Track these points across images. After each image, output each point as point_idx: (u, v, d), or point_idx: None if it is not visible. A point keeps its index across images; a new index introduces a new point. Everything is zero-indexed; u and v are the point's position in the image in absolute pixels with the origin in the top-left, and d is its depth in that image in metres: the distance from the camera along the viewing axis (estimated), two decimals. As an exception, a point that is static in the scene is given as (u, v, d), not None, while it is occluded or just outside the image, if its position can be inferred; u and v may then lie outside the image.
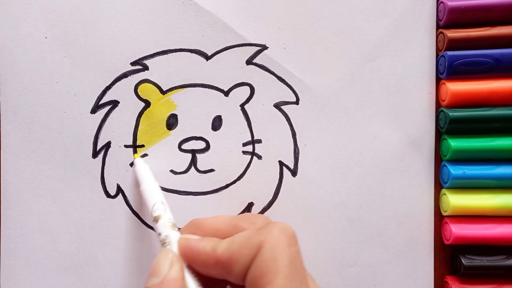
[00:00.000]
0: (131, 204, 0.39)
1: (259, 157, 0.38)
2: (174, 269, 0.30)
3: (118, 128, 0.38)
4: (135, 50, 0.38)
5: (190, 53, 0.38)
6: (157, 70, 0.38)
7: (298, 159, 0.38)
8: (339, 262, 0.38)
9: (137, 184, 0.38)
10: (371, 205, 0.38)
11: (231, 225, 0.32)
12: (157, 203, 0.34)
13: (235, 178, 0.38)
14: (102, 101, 0.38)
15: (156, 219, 0.33)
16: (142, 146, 0.38)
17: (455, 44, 0.36)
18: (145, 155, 0.38)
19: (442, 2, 0.37)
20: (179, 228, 0.33)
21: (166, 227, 0.33)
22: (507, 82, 0.36)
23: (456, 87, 0.36)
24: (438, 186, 0.38)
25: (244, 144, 0.38)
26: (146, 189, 0.36)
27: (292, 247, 0.29)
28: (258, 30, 0.38)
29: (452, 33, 0.36)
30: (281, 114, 0.38)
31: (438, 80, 0.38)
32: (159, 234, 0.33)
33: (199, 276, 0.30)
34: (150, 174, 0.37)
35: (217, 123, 0.38)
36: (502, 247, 0.37)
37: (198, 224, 0.33)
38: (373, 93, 0.38)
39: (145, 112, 0.38)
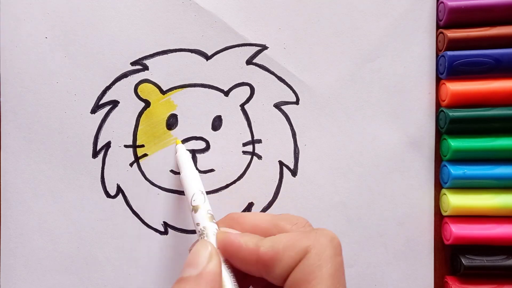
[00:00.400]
0: (131, 204, 0.39)
1: (259, 157, 0.38)
2: (213, 262, 0.29)
3: (118, 128, 0.38)
4: (135, 50, 0.38)
5: (190, 53, 0.38)
6: (157, 70, 0.38)
7: (298, 159, 0.38)
8: (339, 262, 0.38)
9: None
10: (371, 205, 0.38)
11: (272, 223, 0.31)
12: (197, 192, 0.34)
13: (235, 178, 0.38)
14: (102, 101, 0.38)
15: (195, 209, 0.33)
16: (142, 146, 0.38)
17: (455, 44, 0.36)
18: (145, 155, 0.38)
19: (442, 2, 0.37)
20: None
21: (205, 218, 0.32)
22: (507, 82, 0.36)
23: (456, 87, 0.36)
24: (438, 186, 0.38)
25: (244, 144, 0.38)
26: (186, 177, 0.35)
27: (338, 257, 0.29)
28: (258, 30, 0.38)
29: (452, 33, 0.36)
30: (281, 114, 0.38)
31: (438, 80, 0.38)
32: (197, 224, 0.32)
33: (235, 271, 0.30)
34: (191, 162, 0.36)
35: (217, 123, 0.38)
36: (502, 247, 0.37)
37: (237, 218, 0.33)
38: (373, 93, 0.38)
39: (145, 112, 0.38)
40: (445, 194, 0.37)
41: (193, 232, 0.38)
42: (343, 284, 0.28)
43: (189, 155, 0.37)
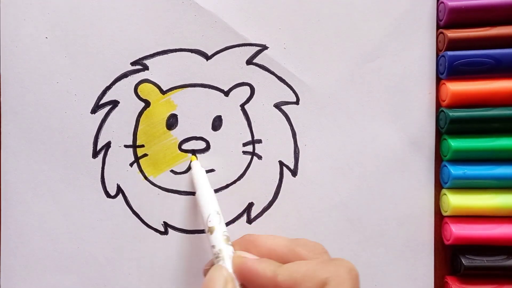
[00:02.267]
0: (131, 204, 0.39)
1: (259, 157, 0.38)
2: None
3: (118, 128, 0.38)
4: (135, 50, 0.38)
5: (190, 53, 0.38)
6: (157, 70, 0.38)
7: (298, 159, 0.38)
8: (339, 262, 0.38)
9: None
10: (371, 205, 0.38)
11: (289, 249, 0.31)
12: (212, 213, 0.34)
13: (235, 178, 0.38)
14: (102, 101, 0.38)
15: (211, 230, 0.33)
16: (142, 146, 0.38)
17: (455, 44, 0.36)
18: (145, 155, 0.38)
19: (442, 2, 0.37)
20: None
21: (221, 241, 0.32)
22: (507, 82, 0.36)
23: (456, 87, 0.36)
24: (438, 186, 0.38)
25: (244, 144, 0.38)
26: (202, 196, 0.35)
27: None
28: (258, 30, 0.38)
29: (452, 33, 0.36)
30: (281, 114, 0.38)
31: (438, 80, 0.38)
32: (213, 247, 0.32)
33: None
34: (206, 180, 0.36)
35: (217, 123, 0.38)
36: (502, 247, 0.37)
37: (253, 241, 0.33)
38: (373, 93, 0.38)
39: (145, 112, 0.38)
40: (445, 194, 0.37)
41: (193, 232, 0.38)
42: None
43: (205, 173, 0.37)
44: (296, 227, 0.38)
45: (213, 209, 0.34)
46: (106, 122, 0.38)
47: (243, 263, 0.30)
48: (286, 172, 0.38)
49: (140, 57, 0.38)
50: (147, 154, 0.38)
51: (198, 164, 0.38)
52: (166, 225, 0.39)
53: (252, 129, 0.38)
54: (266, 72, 0.38)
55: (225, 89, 0.38)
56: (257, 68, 0.38)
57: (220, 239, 0.32)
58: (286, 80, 0.38)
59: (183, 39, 0.38)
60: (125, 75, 0.38)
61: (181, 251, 0.39)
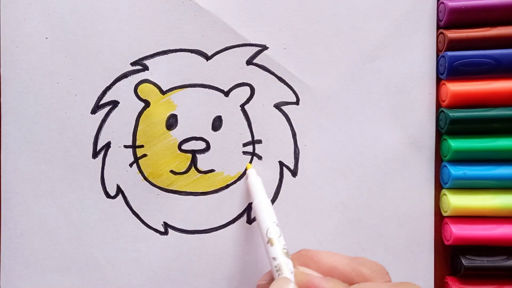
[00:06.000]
0: (131, 204, 0.39)
1: (260, 157, 0.38)
2: None
3: (118, 129, 0.38)
4: (135, 50, 0.38)
5: (190, 53, 0.38)
6: (157, 70, 0.38)
7: (298, 159, 0.38)
8: (339, 262, 0.38)
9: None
10: (371, 205, 0.38)
11: (351, 267, 0.30)
12: (271, 225, 0.33)
13: (236, 178, 0.38)
14: (102, 101, 0.38)
15: (271, 242, 0.33)
16: (142, 146, 0.38)
17: (455, 44, 0.36)
18: (144, 155, 0.38)
19: (442, 3, 0.37)
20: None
21: (282, 254, 0.32)
22: (507, 82, 0.36)
23: (457, 87, 0.36)
24: (439, 186, 0.38)
25: (244, 145, 0.38)
26: (260, 205, 0.35)
27: None
28: (258, 30, 0.38)
29: (453, 34, 0.36)
30: (281, 114, 0.38)
31: (439, 81, 0.38)
32: (274, 259, 0.32)
33: None
34: (263, 189, 0.36)
35: (217, 123, 0.38)
36: (503, 248, 0.37)
37: (312, 256, 0.32)
38: (373, 94, 0.38)
39: (144, 112, 0.38)
40: (445, 194, 0.37)
41: (193, 232, 0.38)
42: None
43: (261, 182, 0.37)
44: (296, 227, 0.38)
45: (272, 220, 0.34)
46: (106, 122, 0.38)
47: (309, 281, 0.29)
48: (286, 172, 0.38)
49: (140, 57, 0.38)
50: (146, 154, 0.38)
51: (254, 172, 0.37)
52: (166, 225, 0.39)
53: (252, 130, 0.38)
54: (266, 73, 0.38)
55: (225, 89, 0.38)
56: (257, 68, 0.38)
57: (281, 252, 0.32)
58: (286, 80, 0.38)
59: (183, 39, 0.38)
60: (125, 75, 0.38)
61: (181, 251, 0.39)
